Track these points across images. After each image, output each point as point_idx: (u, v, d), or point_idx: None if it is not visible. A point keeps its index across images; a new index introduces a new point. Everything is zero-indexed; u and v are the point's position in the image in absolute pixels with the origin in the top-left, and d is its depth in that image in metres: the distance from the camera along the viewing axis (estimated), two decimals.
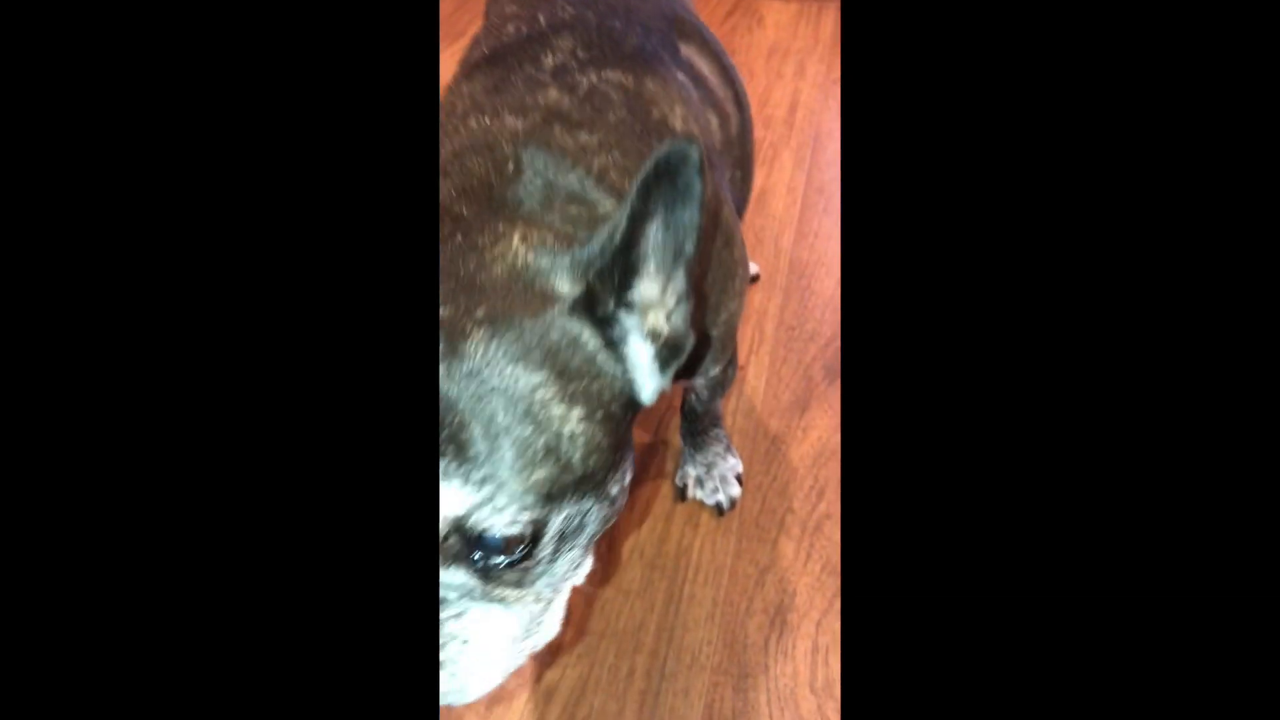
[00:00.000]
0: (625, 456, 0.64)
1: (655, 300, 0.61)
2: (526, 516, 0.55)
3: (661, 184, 0.54)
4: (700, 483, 1.19)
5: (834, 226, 1.66)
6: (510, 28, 0.83)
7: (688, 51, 0.88)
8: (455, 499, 0.54)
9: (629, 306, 0.61)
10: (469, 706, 0.99)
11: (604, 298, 0.59)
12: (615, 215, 0.57)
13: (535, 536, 0.57)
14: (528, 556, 0.58)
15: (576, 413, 0.57)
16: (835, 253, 1.60)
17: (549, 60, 0.75)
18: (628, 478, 0.64)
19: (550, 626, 0.66)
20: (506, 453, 0.54)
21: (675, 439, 1.23)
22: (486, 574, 0.58)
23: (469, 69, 0.81)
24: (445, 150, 0.69)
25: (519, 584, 0.60)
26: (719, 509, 1.18)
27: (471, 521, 0.54)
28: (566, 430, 0.57)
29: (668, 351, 0.63)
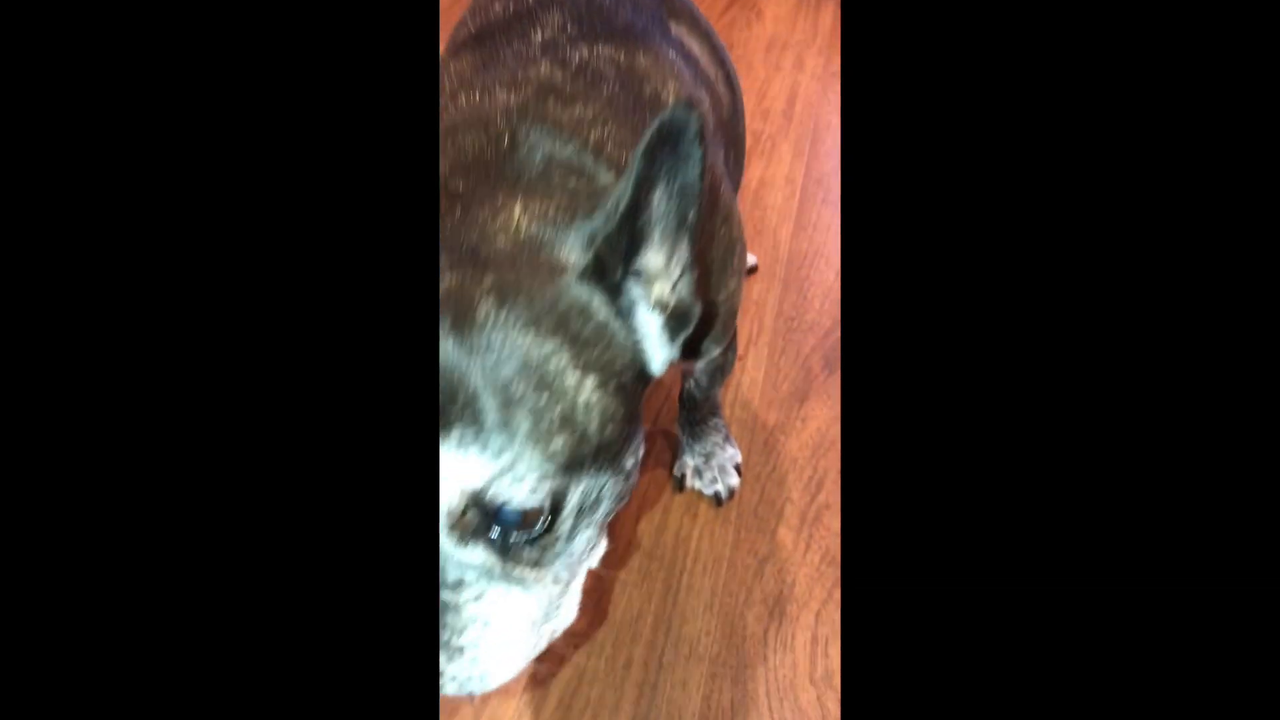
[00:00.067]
0: (637, 430, 0.63)
1: (661, 270, 0.60)
2: (546, 487, 0.54)
3: (664, 150, 0.53)
4: (698, 473, 1.17)
5: (833, 218, 1.65)
6: (497, 6, 0.82)
7: (678, 30, 0.87)
8: (473, 470, 0.52)
9: (636, 275, 0.60)
10: (464, 698, 0.98)
11: (612, 265, 0.58)
12: (618, 185, 0.56)
13: (554, 509, 0.56)
14: (547, 531, 0.56)
15: (590, 381, 0.56)
16: (834, 244, 1.59)
17: (538, 36, 0.74)
18: (640, 452, 0.63)
19: (568, 610, 0.64)
20: (523, 422, 0.53)
21: (673, 429, 1.22)
22: (505, 552, 0.56)
23: (456, 49, 0.80)
24: None
25: (537, 563, 0.58)
26: (717, 499, 1.17)
27: (490, 493, 0.53)
28: (582, 399, 0.56)
29: (675, 321, 0.62)
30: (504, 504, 0.53)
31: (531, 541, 0.56)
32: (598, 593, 1.07)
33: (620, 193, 0.55)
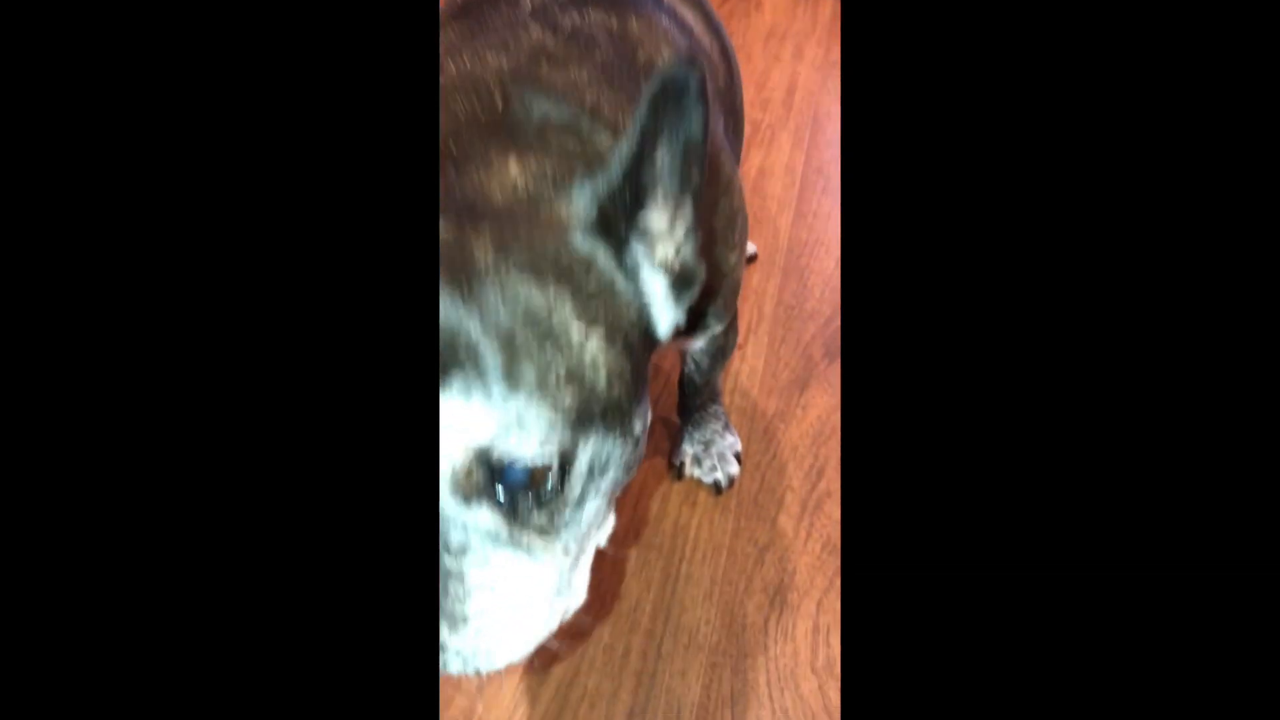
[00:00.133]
0: (645, 395, 0.60)
1: (664, 231, 0.59)
2: (554, 441, 0.51)
3: (667, 104, 0.51)
4: (698, 461, 1.16)
5: (833, 206, 1.63)
6: None
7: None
8: (478, 423, 0.49)
9: (640, 234, 0.58)
10: (459, 687, 0.96)
11: (615, 220, 0.56)
12: (619, 142, 0.54)
13: (563, 468, 0.53)
14: (557, 494, 0.54)
15: (597, 336, 0.54)
16: (834, 232, 1.57)
17: (528, 2, 0.72)
18: (648, 418, 0.61)
19: (579, 588, 0.62)
20: (528, 374, 0.50)
21: (673, 417, 1.21)
22: (513, 517, 0.53)
23: (443, 19, 0.78)
24: None
25: (546, 531, 0.55)
26: (717, 487, 1.15)
27: (497, 448, 0.50)
28: (588, 355, 0.54)
29: (681, 283, 0.61)
30: (510, 461, 0.51)
31: (540, 505, 0.53)
32: (595, 580, 1.05)
33: (624, 144, 0.54)
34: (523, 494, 0.52)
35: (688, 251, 0.60)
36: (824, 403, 1.28)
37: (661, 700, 0.95)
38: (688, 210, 0.58)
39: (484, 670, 0.55)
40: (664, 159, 0.54)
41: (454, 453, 0.50)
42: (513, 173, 0.58)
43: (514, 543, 0.53)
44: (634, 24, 0.72)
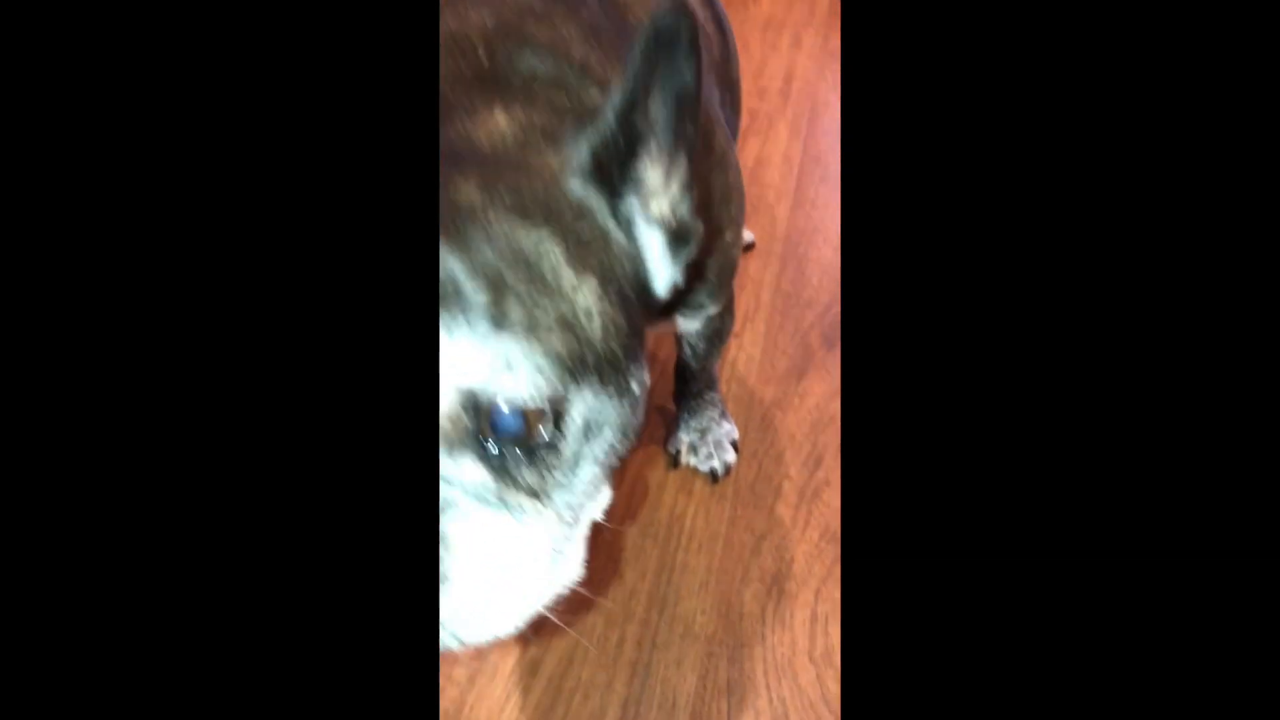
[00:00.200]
0: (643, 357, 0.58)
1: (659, 188, 0.57)
2: (544, 384, 0.49)
3: (659, 53, 0.49)
4: (694, 449, 1.14)
5: (830, 195, 1.61)
6: None
7: None
8: (464, 361, 0.47)
9: (635, 185, 0.56)
10: (450, 677, 0.94)
11: (609, 168, 0.54)
12: (611, 92, 0.52)
13: (556, 420, 0.50)
14: (549, 449, 0.51)
15: (590, 284, 0.52)
16: (832, 221, 1.55)
17: None
18: (646, 381, 0.58)
19: (573, 562, 0.57)
20: (516, 313, 0.48)
21: (668, 405, 1.19)
22: (503, 473, 0.50)
23: None
24: None
25: (537, 492, 0.52)
26: (713, 475, 1.13)
27: (485, 390, 0.48)
28: (580, 301, 0.51)
29: (677, 240, 0.59)
30: (501, 401, 0.48)
31: (531, 461, 0.51)
32: (590, 567, 1.04)
33: (615, 95, 0.52)
34: (513, 447, 0.50)
35: (684, 208, 0.58)
36: (822, 391, 1.26)
37: (657, 691, 0.94)
38: (682, 164, 0.56)
39: (467, 640, 0.51)
40: (657, 110, 0.52)
41: (441, 396, 0.48)
42: (500, 122, 0.57)
43: (502, 502, 0.51)
44: None
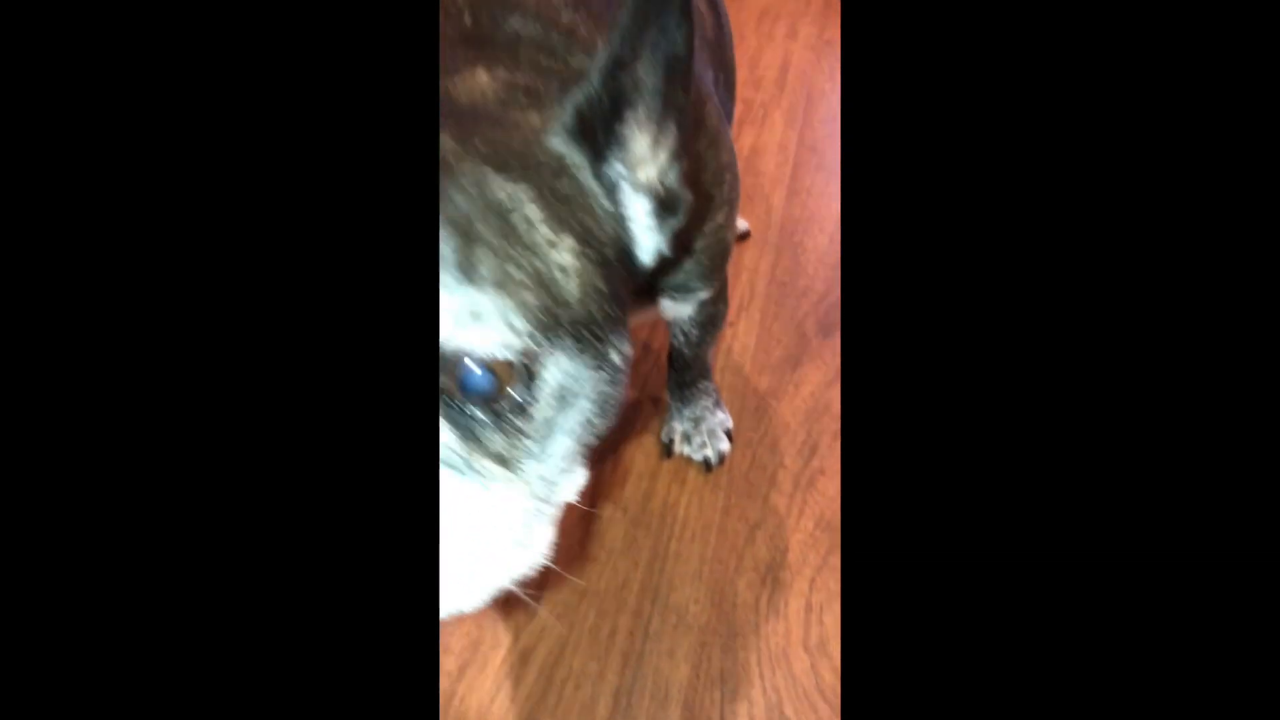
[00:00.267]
0: (624, 325, 0.56)
1: (647, 155, 0.55)
2: (514, 338, 0.46)
3: (650, 14, 0.48)
4: (687, 438, 1.13)
5: (826, 183, 1.60)
6: None
7: None
8: None
9: (620, 149, 0.54)
10: (440, 668, 0.93)
11: (592, 127, 0.52)
12: (598, 54, 0.51)
13: (528, 379, 0.48)
14: (521, 412, 0.49)
15: (568, 242, 0.50)
16: (827, 209, 1.54)
17: None
18: (628, 350, 0.56)
19: (540, 543, 0.55)
20: (486, 263, 0.46)
21: (661, 395, 1.18)
22: (469, 435, 0.48)
23: None
24: None
25: (506, 460, 0.50)
26: (707, 464, 1.12)
27: (451, 342, 0.45)
28: (556, 258, 0.50)
29: (664, 208, 0.57)
30: (468, 358, 0.46)
31: (500, 426, 0.49)
32: (581, 560, 1.03)
33: (601, 54, 0.50)
34: (483, 409, 0.48)
35: (672, 176, 0.57)
36: (817, 379, 1.25)
37: (649, 680, 0.92)
38: (671, 133, 0.54)
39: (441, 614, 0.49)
40: (646, 74, 0.51)
41: None
42: (481, 80, 0.55)
43: (470, 468, 0.48)
44: None
